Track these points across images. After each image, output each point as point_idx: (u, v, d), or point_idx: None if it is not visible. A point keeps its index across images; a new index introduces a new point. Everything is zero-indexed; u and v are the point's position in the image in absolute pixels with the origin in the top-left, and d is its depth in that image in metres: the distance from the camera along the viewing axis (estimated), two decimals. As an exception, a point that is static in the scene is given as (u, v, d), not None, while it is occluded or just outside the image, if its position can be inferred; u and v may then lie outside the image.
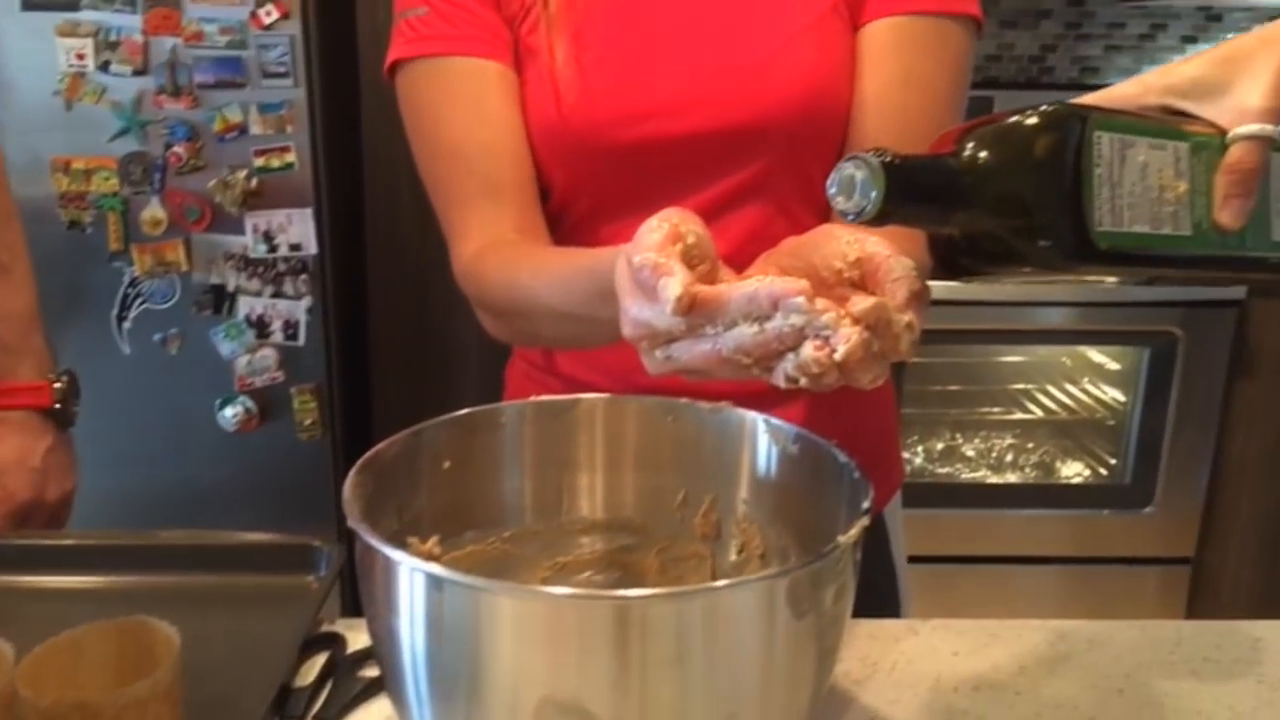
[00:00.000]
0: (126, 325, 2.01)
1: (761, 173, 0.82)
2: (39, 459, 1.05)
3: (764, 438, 0.63)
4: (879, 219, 0.51)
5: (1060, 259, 0.54)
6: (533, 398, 0.66)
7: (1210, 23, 2.72)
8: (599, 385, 0.86)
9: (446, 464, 0.62)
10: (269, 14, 1.91)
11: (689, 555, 0.66)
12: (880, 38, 0.81)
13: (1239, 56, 0.57)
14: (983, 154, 0.53)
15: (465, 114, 0.83)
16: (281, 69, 1.94)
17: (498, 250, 0.80)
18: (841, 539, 0.50)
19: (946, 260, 0.56)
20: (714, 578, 0.65)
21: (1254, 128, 0.55)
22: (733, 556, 0.65)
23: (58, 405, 1.07)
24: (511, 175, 0.82)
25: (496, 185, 0.82)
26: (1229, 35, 2.73)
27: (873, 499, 0.54)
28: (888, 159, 0.51)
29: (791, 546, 0.61)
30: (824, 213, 0.83)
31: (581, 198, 0.85)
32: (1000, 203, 0.53)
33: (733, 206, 0.82)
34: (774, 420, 0.63)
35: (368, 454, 0.57)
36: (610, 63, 0.82)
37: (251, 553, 0.85)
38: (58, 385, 1.07)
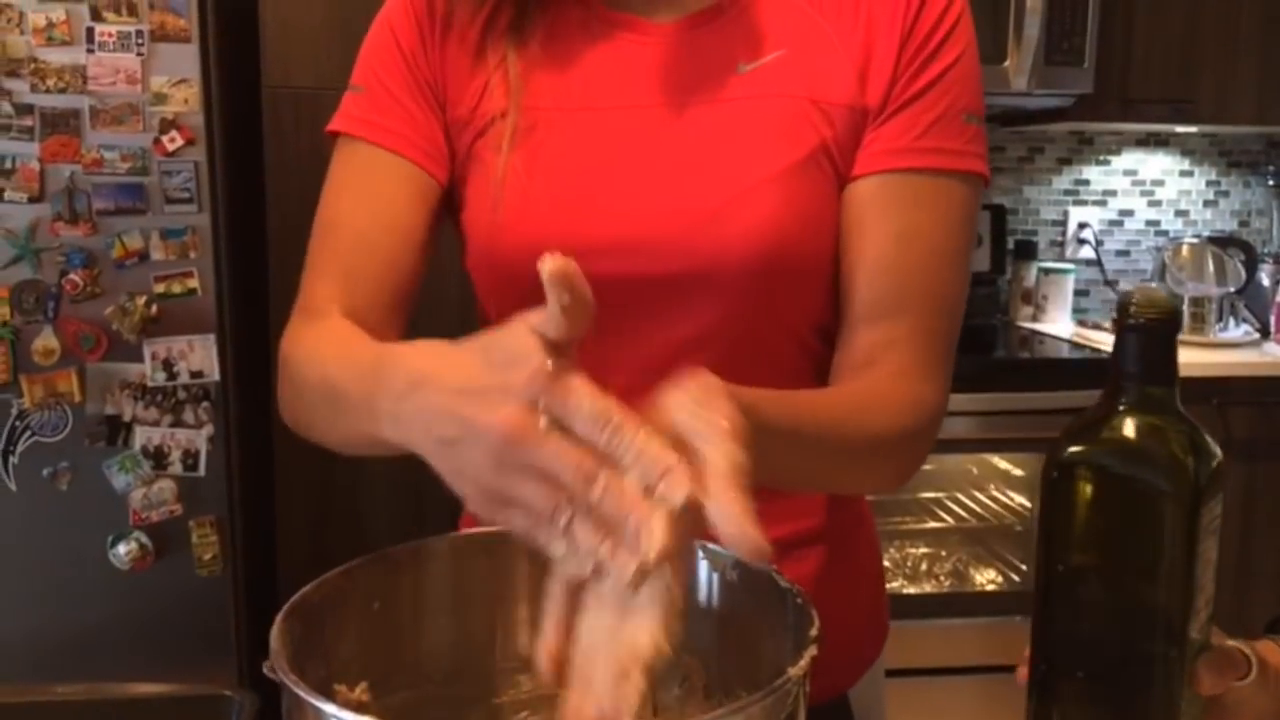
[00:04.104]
0: (13, 460, 1.92)
1: (709, 326, 0.76)
2: None
3: (703, 565, 0.62)
4: None
5: None
6: (464, 530, 0.64)
7: (1082, 146, 2.91)
8: None
9: (376, 604, 0.60)
10: (173, 140, 1.90)
11: (628, 691, 0.64)
12: (873, 195, 0.76)
13: None
14: None
15: (353, 198, 0.81)
16: (185, 194, 1.92)
17: (324, 324, 0.77)
18: (792, 671, 0.49)
19: None
20: (655, 715, 0.63)
21: None
22: (675, 691, 0.63)
23: None
24: (372, 270, 0.79)
25: (355, 273, 0.79)
26: (1100, 158, 2.92)
27: (820, 626, 0.53)
28: None
29: (736, 679, 0.60)
30: (781, 372, 0.75)
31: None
32: None
33: (676, 358, 0.70)
34: (711, 545, 0.62)
35: (294, 597, 0.54)
36: (557, 187, 0.78)
37: (156, 705, 0.80)
38: None
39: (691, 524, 0.47)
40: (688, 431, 0.49)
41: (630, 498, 0.46)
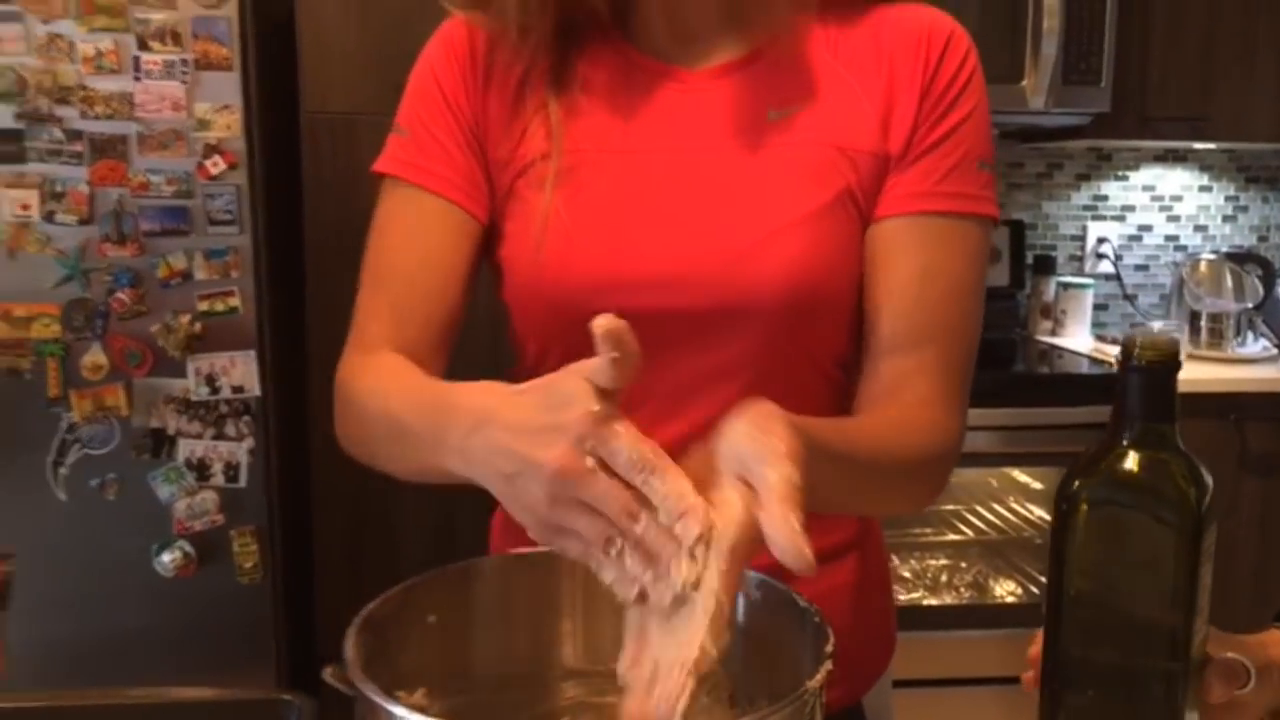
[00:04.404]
0: (63, 471, 1.99)
1: (737, 357, 0.81)
2: None
3: (729, 584, 0.67)
4: None
5: None
6: (513, 550, 0.70)
7: (1101, 162, 2.94)
8: None
9: (432, 618, 0.65)
10: (216, 165, 1.97)
11: (661, 699, 0.69)
12: (895, 236, 0.81)
13: None
14: None
15: (400, 239, 0.86)
16: (227, 216, 1.99)
17: (378, 359, 0.82)
18: (809, 683, 0.54)
19: None
20: (686, 720, 0.68)
21: None
22: (703, 700, 0.68)
23: (2, 586, 1.06)
24: (419, 307, 0.84)
25: (403, 311, 0.84)
26: (1119, 173, 2.95)
27: (834, 643, 0.58)
28: None
29: (759, 689, 0.65)
30: (804, 399, 0.74)
31: (550, 358, 0.85)
32: None
33: (705, 387, 0.81)
34: (738, 567, 0.68)
35: (363, 612, 0.60)
36: (598, 227, 0.82)
37: (218, 709, 0.84)
38: (5, 568, 1.07)
39: (749, 545, 0.53)
40: (748, 455, 0.54)
41: (662, 534, 0.52)
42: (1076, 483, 0.67)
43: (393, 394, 0.75)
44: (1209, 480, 0.66)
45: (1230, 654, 0.68)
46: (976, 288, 0.83)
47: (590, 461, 0.54)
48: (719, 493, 0.55)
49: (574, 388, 0.55)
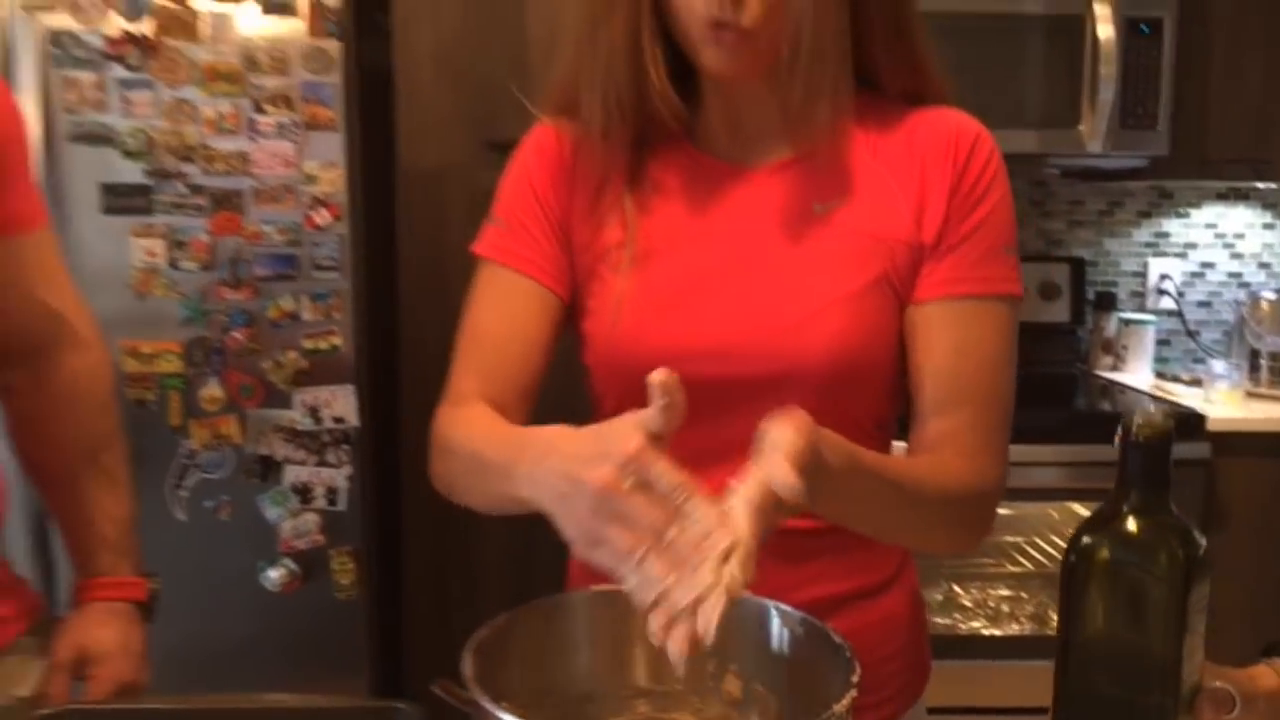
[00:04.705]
0: (183, 493, 2.18)
1: None
2: (139, 645, 1.19)
3: (776, 621, 0.80)
4: None
5: None
6: (593, 587, 0.83)
7: (1163, 199, 2.98)
8: None
9: (528, 643, 0.79)
10: (321, 216, 2.15)
11: (718, 718, 0.82)
12: (933, 316, 0.92)
13: None
14: None
15: (492, 311, 0.99)
16: (331, 263, 2.17)
17: (468, 410, 0.94)
18: (836, 707, 0.66)
19: None
20: (738, 734, 0.81)
21: None
22: (754, 718, 0.81)
23: (150, 600, 1.22)
24: (505, 370, 0.96)
25: (491, 372, 0.96)
26: (1180, 210, 2.99)
27: (860, 674, 0.70)
28: None
29: (800, 712, 0.77)
30: None
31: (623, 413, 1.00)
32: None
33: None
34: (783, 606, 0.80)
35: (474, 638, 0.73)
36: (666, 305, 0.93)
37: (334, 717, 0.97)
38: (153, 585, 1.23)
39: (766, 495, 0.65)
40: (770, 437, 0.68)
41: (691, 545, 0.64)
42: (1085, 539, 0.78)
43: (476, 435, 0.89)
44: (1201, 541, 0.76)
45: (1219, 683, 0.79)
46: (1007, 359, 0.94)
47: (629, 483, 0.65)
48: (751, 469, 0.68)
49: (625, 427, 0.66)
